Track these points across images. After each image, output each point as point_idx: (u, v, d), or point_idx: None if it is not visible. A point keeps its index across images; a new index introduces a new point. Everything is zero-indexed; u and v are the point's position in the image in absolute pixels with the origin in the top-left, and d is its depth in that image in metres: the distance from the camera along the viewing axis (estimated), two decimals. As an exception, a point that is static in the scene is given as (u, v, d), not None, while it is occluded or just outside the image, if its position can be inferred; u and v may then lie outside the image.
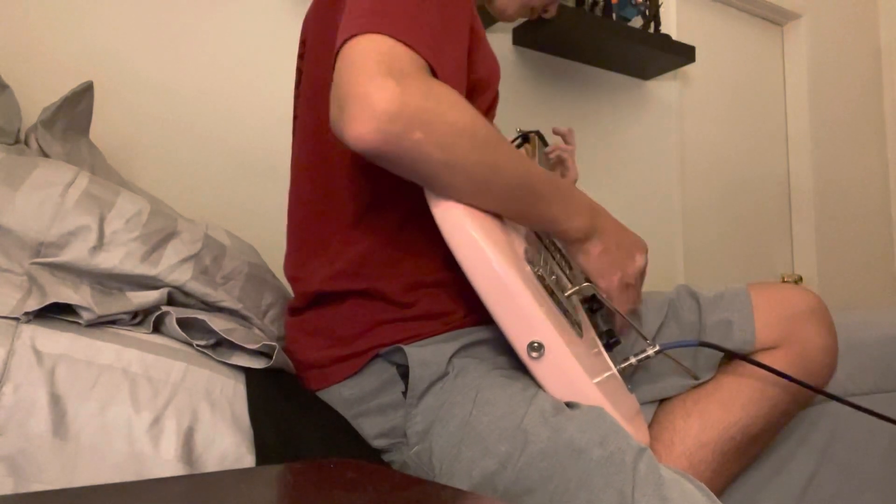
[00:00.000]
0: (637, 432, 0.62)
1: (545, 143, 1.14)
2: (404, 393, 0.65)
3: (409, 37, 0.55)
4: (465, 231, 0.58)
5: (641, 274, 0.74)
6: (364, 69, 0.52)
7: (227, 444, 0.57)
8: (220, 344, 0.67)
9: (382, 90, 0.51)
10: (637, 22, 1.76)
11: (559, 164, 1.14)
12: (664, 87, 2.00)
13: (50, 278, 0.63)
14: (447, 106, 0.54)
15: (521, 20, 1.63)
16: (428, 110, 0.52)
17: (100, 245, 0.66)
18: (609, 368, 0.68)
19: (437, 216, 0.59)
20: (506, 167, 0.59)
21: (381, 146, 0.52)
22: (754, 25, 2.33)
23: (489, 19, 1.53)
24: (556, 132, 1.19)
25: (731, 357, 0.78)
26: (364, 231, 0.69)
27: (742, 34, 2.29)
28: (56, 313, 0.59)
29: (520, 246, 0.65)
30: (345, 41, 0.55)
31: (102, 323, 0.61)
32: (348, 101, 0.52)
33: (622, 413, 0.61)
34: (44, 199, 0.65)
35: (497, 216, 0.63)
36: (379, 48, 0.53)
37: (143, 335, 0.63)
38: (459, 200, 0.59)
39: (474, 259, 0.58)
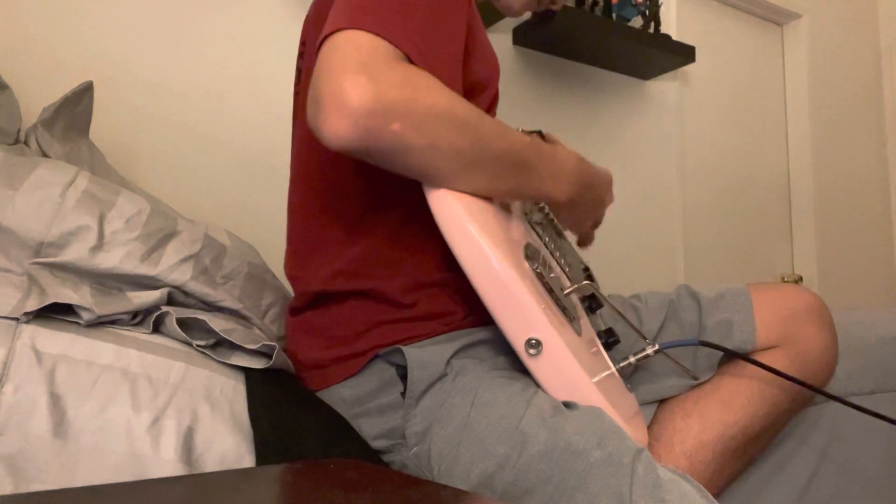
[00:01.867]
0: (635, 432, 0.62)
1: None
2: (403, 394, 0.65)
3: (388, 31, 0.54)
4: (463, 227, 0.58)
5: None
6: (338, 66, 0.52)
7: (227, 444, 0.57)
8: (220, 344, 0.67)
9: (355, 87, 0.50)
10: (637, 22, 1.76)
11: None
12: (664, 87, 2.00)
13: (50, 278, 0.63)
14: (423, 91, 0.54)
15: (526, 17, 1.64)
16: (403, 99, 0.52)
17: (100, 245, 0.66)
18: (608, 367, 0.67)
19: (434, 212, 0.59)
20: (490, 142, 0.59)
21: (360, 142, 0.52)
22: (754, 25, 2.33)
23: (490, 18, 1.54)
24: None
25: (730, 357, 0.78)
26: (364, 231, 0.69)
27: (742, 34, 2.29)
28: (56, 313, 0.59)
29: (519, 243, 0.65)
30: (325, 37, 0.55)
31: (102, 323, 0.61)
32: (322, 100, 0.51)
33: (620, 413, 0.61)
34: (44, 199, 0.65)
35: (497, 211, 0.63)
36: (355, 44, 0.53)
37: (143, 335, 0.63)
38: (451, 185, 0.59)
39: (473, 256, 0.58)
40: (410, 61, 0.56)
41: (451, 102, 0.56)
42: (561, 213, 0.77)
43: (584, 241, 0.84)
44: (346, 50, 0.53)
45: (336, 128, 0.51)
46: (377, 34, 0.54)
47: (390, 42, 0.54)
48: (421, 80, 0.54)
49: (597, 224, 0.82)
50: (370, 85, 0.50)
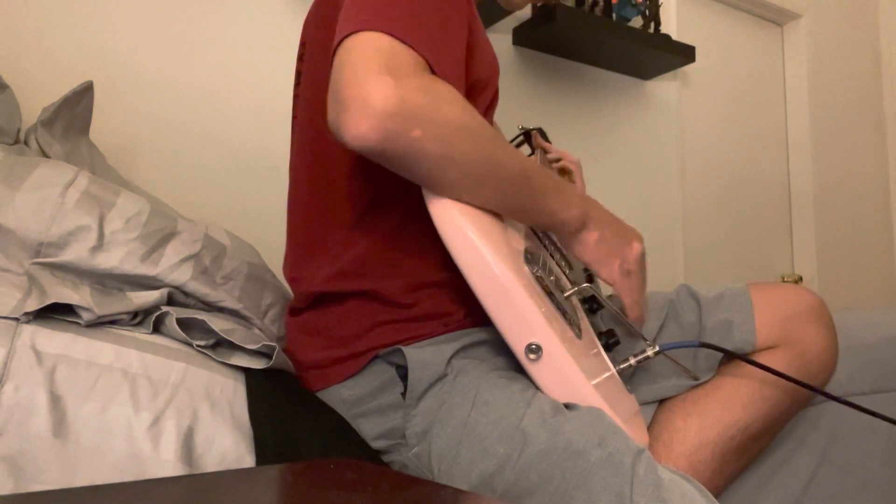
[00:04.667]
0: (636, 433, 0.62)
1: (546, 141, 1.14)
2: (403, 394, 0.65)
3: (407, 34, 0.55)
4: (463, 232, 0.58)
5: (641, 260, 0.72)
6: (362, 67, 0.52)
7: (227, 444, 0.57)
8: (220, 344, 0.67)
9: (381, 88, 0.50)
10: (637, 22, 1.76)
11: (564, 175, 1.14)
12: (664, 87, 2.00)
13: (50, 278, 0.63)
14: (445, 102, 0.54)
15: (526, 17, 1.64)
16: (426, 107, 0.52)
17: (100, 245, 0.66)
18: (608, 369, 0.67)
19: (434, 218, 0.59)
20: (503, 161, 0.59)
21: (380, 144, 0.52)
22: (754, 25, 2.33)
23: (490, 18, 1.54)
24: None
25: (730, 357, 0.78)
26: (364, 232, 0.69)
27: (742, 34, 2.29)
28: (56, 313, 0.59)
29: (518, 247, 0.65)
30: (342, 39, 0.55)
31: (102, 323, 0.61)
32: (346, 99, 0.51)
33: (621, 414, 0.61)
34: (44, 199, 0.65)
35: (496, 216, 0.63)
36: (377, 45, 0.53)
37: (143, 335, 0.63)
38: (458, 197, 0.59)
39: (472, 260, 0.58)
40: (428, 67, 0.56)
41: (471, 117, 0.56)
42: (574, 246, 0.69)
43: (616, 285, 0.71)
44: (368, 51, 0.53)
45: (358, 128, 0.51)
46: (395, 37, 0.54)
47: (410, 47, 0.54)
48: (443, 89, 0.55)
49: (626, 269, 0.70)
50: (395, 87, 0.50)
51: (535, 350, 0.58)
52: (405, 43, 0.54)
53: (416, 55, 0.55)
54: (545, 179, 0.64)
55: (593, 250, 0.69)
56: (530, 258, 0.65)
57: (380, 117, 0.50)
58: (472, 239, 0.58)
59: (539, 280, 0.64)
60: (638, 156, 1.94)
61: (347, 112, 0.51)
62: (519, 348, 0.59)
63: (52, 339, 0.56)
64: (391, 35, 0.54)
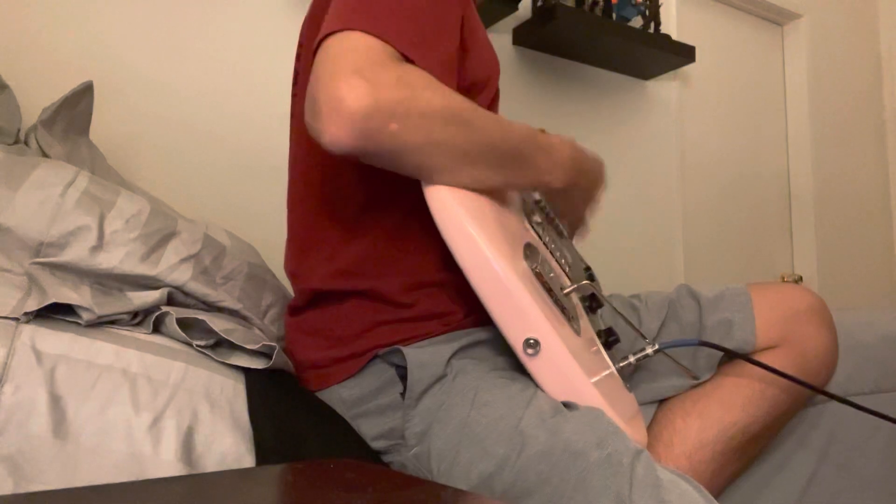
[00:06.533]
0: (635, 433, 0.62)
1: None
2: (403, 394, 0.65)
3: (385, 31, 0.55)
4: (462, 227, 0.58)
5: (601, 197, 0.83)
6: (334, 70, 0.52)
7: (227, 444, 0.57)
8: (220, 344, 0.67)
9: (353, 90, 0.50)
10: (637, 22, 1.76)
11: None
12: (664, 87, 2.00)
13: (50, 278, 0.63)
14: (419, 90, 0.54)
15: (526, 17, 1.64)
16: (400, 100, 0.52)
17: (100, 245, 0.66)
18: (607, 367, 0.67)
19: (433, 211, 0.59)
20: (486, 135, 0.59)
21: (359, 145, 0.52)
22: (754, 25, 2.33)
23: (490, 18, 1.54)
24: None
25: (730, 357, 0.78)
26: (362, 230, 0.69)
27: (742, 34, 2.29)
28: (56, 313, 0.59)
29: (518, 242, 0.65)
30: (321, 40, 0.55)
31: (102, 323, 0.61)
32: (320, 104, 0.51)
33: (620, 413, 0.61)
34: (44, 199, 0.65)
35: (495, 208, 0.63)
36: (351, 46, 0.53)
37: (143, 335, 0.62)
38: (449, 179, 0.59)
39: (471, 256, 0.58)
40: (406, 59, 0.56)
41: (446, 99, 0.56)
42: (555, 199, 0.78)
43: (578, 227, 0.85)
44: (342, 52, 0.53)
45: (335, 132, 0.51)
46: (372, 34, 0.54)
47: (385, 41, 0.55)
48: (416, 78, 0.54)
49: (591, 207, 0.82)
50: (366, 87, 0.50)
51: (532, 345, 0.58)
52: (382, 39, 0.54)
53: (392, 50, 0.55)
54: (530, 143, 0.64)
55: (570, 203, 0.78)
56: (529, 254, 0.65)
57: (353, 119, 0.50)
58: (470, 233, 0.58)
59: (538, 276, 0.64)
60: (638, 156, 1.94)
61: (322, 117, 0.51)
62: (517, 343, 0.59)
63: (52, 339, 0.56)
64: (369, 33, 0.54)
